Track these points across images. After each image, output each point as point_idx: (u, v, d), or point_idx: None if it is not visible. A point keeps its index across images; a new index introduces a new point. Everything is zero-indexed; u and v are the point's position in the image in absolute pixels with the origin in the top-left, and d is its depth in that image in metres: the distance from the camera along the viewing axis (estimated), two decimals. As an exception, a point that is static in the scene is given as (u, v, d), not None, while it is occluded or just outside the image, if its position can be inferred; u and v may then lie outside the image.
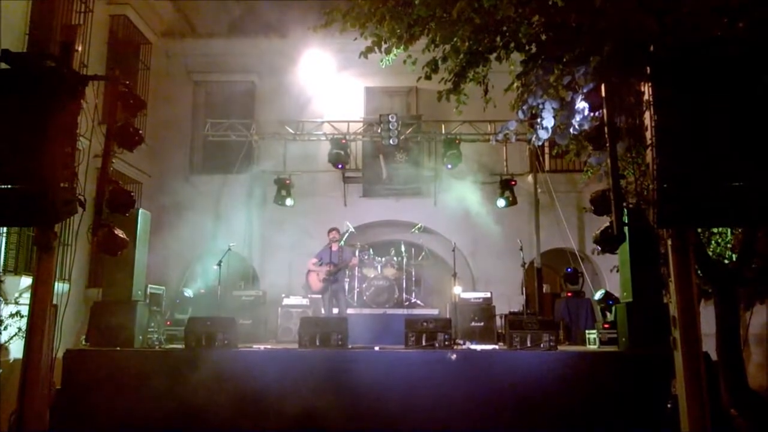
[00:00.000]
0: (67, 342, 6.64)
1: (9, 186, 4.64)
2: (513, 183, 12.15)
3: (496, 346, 8.44)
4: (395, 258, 11.93)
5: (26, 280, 8.84)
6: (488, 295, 10.12)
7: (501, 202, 12.13)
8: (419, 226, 12.33)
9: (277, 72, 13.55)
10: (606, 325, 8.37)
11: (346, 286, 11.13)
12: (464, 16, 6.24)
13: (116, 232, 5.58)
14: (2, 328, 8.15)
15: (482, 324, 9.50)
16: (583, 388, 6.78)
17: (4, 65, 4.88)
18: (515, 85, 7.39)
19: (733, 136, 4.43)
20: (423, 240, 12.33)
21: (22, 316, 8.02)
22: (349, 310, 10.53)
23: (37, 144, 4.62)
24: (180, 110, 13.83)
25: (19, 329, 8.08)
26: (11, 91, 4.76)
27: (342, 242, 10.71)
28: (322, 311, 10.35)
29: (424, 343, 7.42)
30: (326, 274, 10.21)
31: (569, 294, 10.82)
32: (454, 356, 7.11)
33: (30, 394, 4.66)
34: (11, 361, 8.22)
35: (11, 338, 8.21)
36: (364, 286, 11.59)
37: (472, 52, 6.87)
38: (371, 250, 12.23)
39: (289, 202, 12.54)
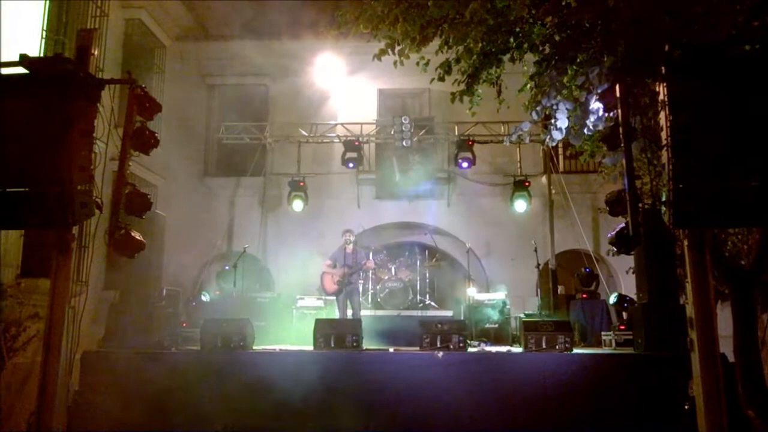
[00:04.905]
0: (85, 344, 6.69)
1: (27, 189, 4.69)
2: (527, 184, 12.07)
3: (511, 348, 8.41)
4: (409, 260, 11.92)
5: (44, 283, 8.90)
6: (502, 296, 10.09)
7: (522, 206, 11.97)
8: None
9: (291, 74, 13.60)
10: (622, 327, 8.32)
11: (360, 288, 11.12)
12: (477, 17, 6.24)
13: (133, 234, 5.62)
14: (21, 329, 8.21)
15: (497, 326, 9.49)
16: (599, 389, 6.73)
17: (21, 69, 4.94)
18: (528, 85, 7.38)
19: (749, 136, 4.38)
20: (437, 241, 12.31)
21: (40, 318, 8.09)
22: (364, 312, 10.51)
23: (54, 147, 4.64)
24: (194, 113, 13.89)
25: (38, 331, 8.15)
26: (28, 94, 4.79)
27: (354, 243, 10.63)
28: (337, 313, 10.36)
29: (438, 345, 7.40)
30: (340, 277, 10.20)
31: (584, 295, 10.73)
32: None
33: (48, 396, 4.69)
34: (30, 363, 8.29)
35: (30, 340, 8.27)
36: (378, 288, 11.60)
37: (485, 53, 6.88)
38: (385, 252, 12.23)
39: (297, 206, 12.44)
